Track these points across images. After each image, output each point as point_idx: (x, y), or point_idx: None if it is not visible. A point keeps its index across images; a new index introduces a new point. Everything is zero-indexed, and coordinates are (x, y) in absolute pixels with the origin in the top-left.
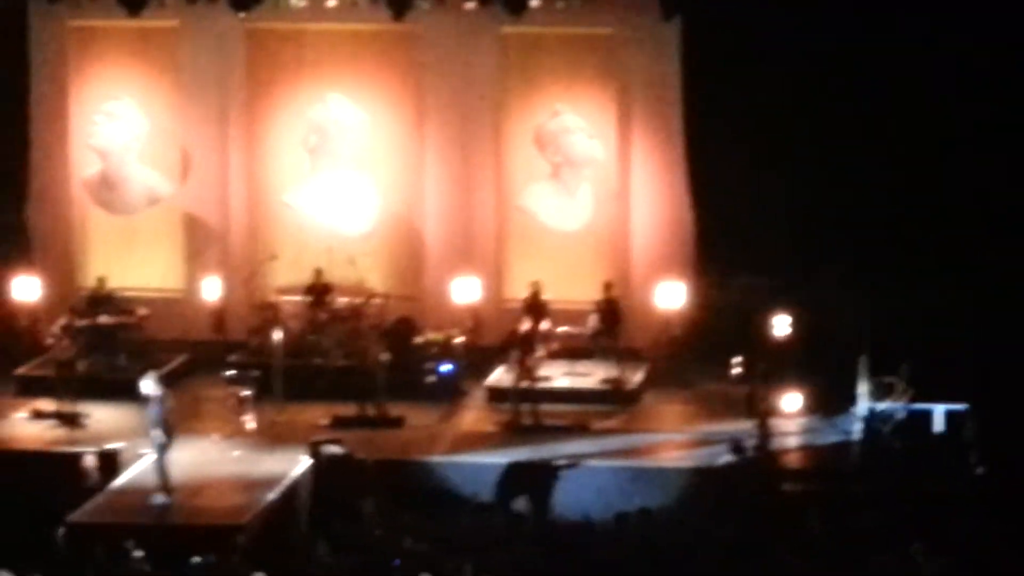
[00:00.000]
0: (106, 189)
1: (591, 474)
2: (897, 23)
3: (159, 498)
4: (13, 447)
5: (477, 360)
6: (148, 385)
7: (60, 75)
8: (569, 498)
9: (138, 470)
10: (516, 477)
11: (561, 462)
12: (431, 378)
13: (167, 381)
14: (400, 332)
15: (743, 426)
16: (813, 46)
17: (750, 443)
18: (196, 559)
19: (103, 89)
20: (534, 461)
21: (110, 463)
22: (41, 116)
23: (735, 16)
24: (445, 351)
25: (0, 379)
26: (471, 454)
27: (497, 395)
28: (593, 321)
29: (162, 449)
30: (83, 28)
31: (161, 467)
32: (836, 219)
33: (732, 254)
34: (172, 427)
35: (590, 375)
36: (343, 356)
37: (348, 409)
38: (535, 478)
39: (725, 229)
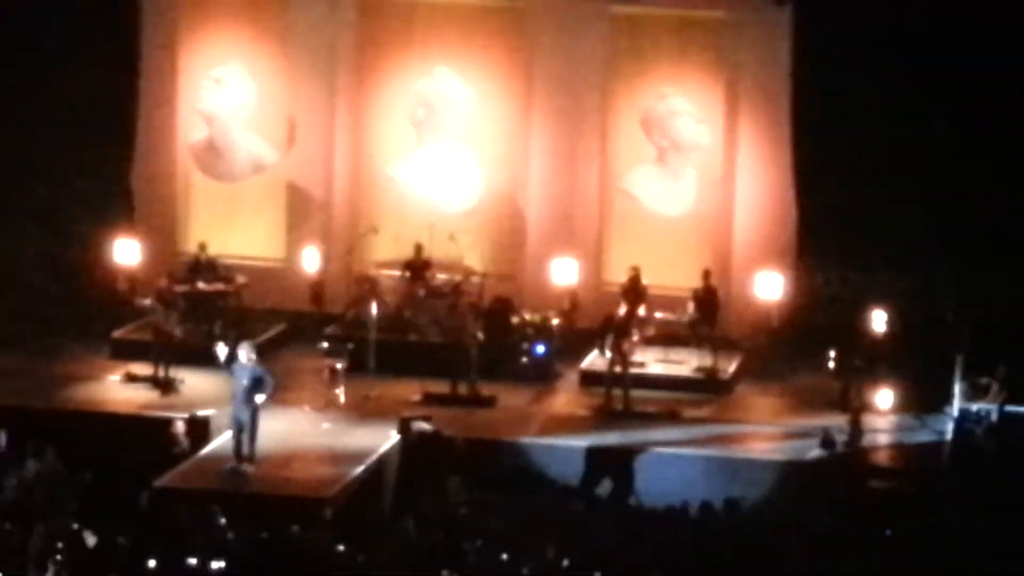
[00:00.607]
0: (211, 155)
1: (679, 462)
2: (1019, 14)
3: (244, 466)
4: (105, 409)
5: (572, 343)
6: (243, 354)
7: (171, 40)
8: (656, 485)
9: (226, 438)
10: (602, 461)
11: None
12: (525, 359)
13: (263, 351)
14: (497, 312)
15: (835, 421)
16: (925, 36)
17: (841, 438)
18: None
19: (213, 55)
20: (621, 446)
21: (200, 430)
22: (150, 80)
23: (847, 2)
24: (541, 332)
25: (96, 341)
26: (560, 437)
27: (590, 379)
28: (690, 308)
29: (252, 419)
30: None
31: (251, 437)
32: (941, 216)
33: (833, 247)
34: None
35: (684, 363)
36: (438, 333)
37: (440, 386)
38: (621, 463)
39: (827, 221)
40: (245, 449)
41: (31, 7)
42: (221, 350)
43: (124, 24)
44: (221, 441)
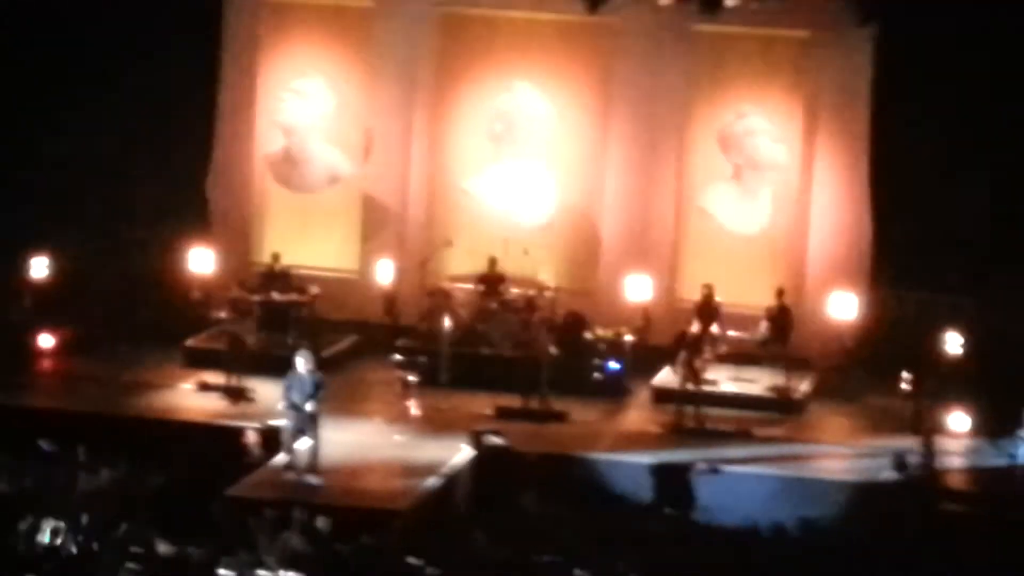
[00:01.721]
0: (288, 166)
1: (751, 481)
2: None
3: (312, 478)
4: (178, 417)
5: (645, 359)
6: (301, 362)
7: (251, 50)
8: (726, 504)
9: (299, 448)
10: (674, 479)
11: (705, 467)
12: (598, 375)
13: (335, 362)
14: (570, 327)
15: (908, 443)
16: (1008, 60)
17: (914, 460)
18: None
19: (292, 66)
20: (692, 464)
21: (272, 439)
22: (229, 90)
23: (930, 25)
24: (614, 348)
25: (169, 350)
26: (631, 453)
27: (662, 396)
28: (763, 327)
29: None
30: (277, 4)
31: (315, 446)
32: (1019, 237)
33: (909, 268)
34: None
35: (757, 381)
36: (511, 347)
37: (513, 401)
38: (692, 481)
39: (903, 242)
40: (307, 459)
41: (113, 18)
42: (303, 356)
43: (204, 34)
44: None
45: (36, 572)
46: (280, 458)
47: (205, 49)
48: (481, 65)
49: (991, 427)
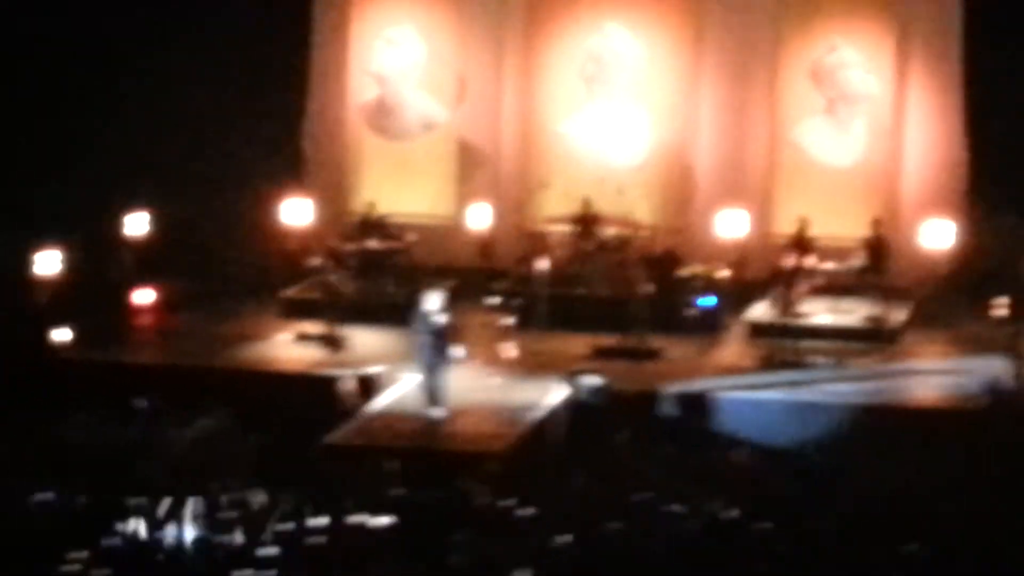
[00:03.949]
0: (382, 115)
1: (844, 412)
2: None
3: (437, 411)
4: (276, 368)
5: (740, 294)
6: (434, 302)
7: (343, 1)
8: (821, 435)
9: (396, 394)
10: (767, 412)
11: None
12: (693, 311)
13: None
14: (665, 264)
15: (1004, 368)
16: None
17: (1009, 386)
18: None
19: (384, 15)
20: (787, 397)
21: (369, 387)
22: (322, 40)
23: None
24: (709, 285)
25: (267, 302)
26: (728, 389)
27: (758, 330)
28: (859, 258)
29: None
30: None
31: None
32: None
33: (1003, 194)
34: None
35: (853, 312)
36: (607, 287)
37: (609, 340)
38: (786, 413)
39: (997, 169)
40: (431, 394)
41: None
42: (434, 296)
43: None
44: (390, 398)
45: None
46: (383, 404)
47: (297, 1)
48: (571, 7)
49: None
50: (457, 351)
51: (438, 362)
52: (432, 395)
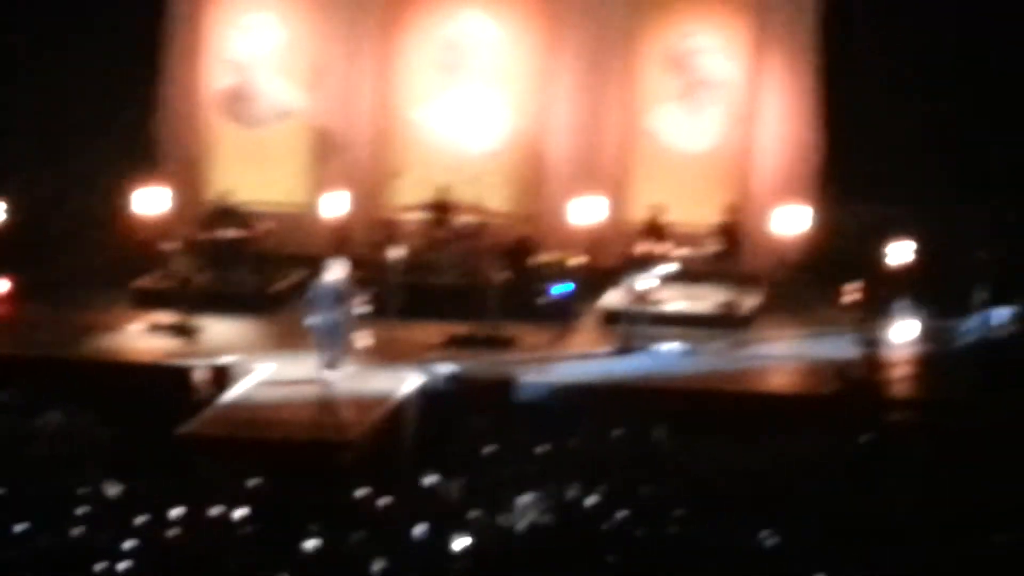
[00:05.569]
0: (237, 102)
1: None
2: None
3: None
4: (128, 359)
5: (595, 282)
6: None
7: None
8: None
9: (248, 385)
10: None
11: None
12: (547, 299)
13: (286, 296)
14: (518, 252)
15: (853, 353)
16: None
17: (858, 372)
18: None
19: (240, 2)
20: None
21: (224, 377)
22: (176, 27)
23: None
24: (563, 272)
25: (119, 291)
26: (578, 375)
27: (611, 318)
28: (713, 244)
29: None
30: None
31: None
32: (962, 147)
33: (855, 180)
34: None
35: (706, 299)
36: (461, 275)
37: (464, 328)
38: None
39: (850, 155)
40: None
41: None
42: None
43: None
44: (243, 388)
45: None
46: (237, 394)
47: None
48: None
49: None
50: (362, 338)
51: (339, 328)
52: (331, 360)
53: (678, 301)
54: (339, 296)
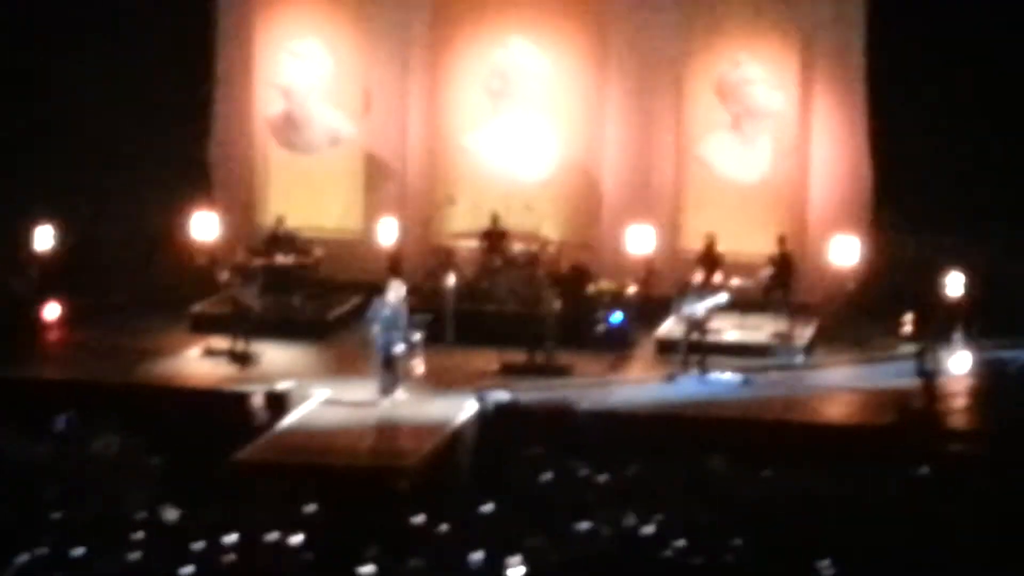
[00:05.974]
0: (289, 128)
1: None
2: None
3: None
4: (184, 384)
5: (649, 311)
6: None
7: (247, 12)
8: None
9: (305, 411)
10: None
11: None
12: (601, 327)
13: (341, 323)
14: (573, 280)
15: (910, 384)
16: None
17: (916, 403)
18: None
19: (289, 28)
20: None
21: (278, 403)
22: (227, 53)
23: None
24: (617, 301)
25: (175, 316)
26: (635, 404)
27: (666, 346)
28: (765, 274)
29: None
30: None
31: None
32: (1015, 176)
33: (909, 210)
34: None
35: (760, 328)
36: (515, 303)
37: (517, 356)
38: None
39: (903, 185)
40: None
41: None
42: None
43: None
44: (300, 414)
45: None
46: (293, 420)
47: (202, 14)
48: (476, 21)
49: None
50: (418, 365)
51: (397, 350)
52: (387, 386)
53: (733, 331)
54: (398, 316)
